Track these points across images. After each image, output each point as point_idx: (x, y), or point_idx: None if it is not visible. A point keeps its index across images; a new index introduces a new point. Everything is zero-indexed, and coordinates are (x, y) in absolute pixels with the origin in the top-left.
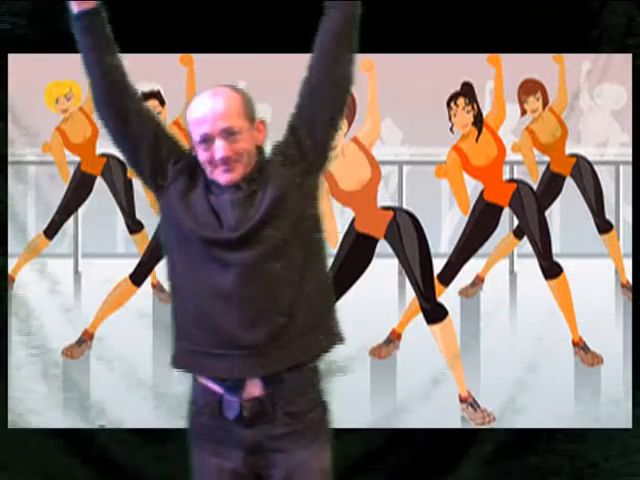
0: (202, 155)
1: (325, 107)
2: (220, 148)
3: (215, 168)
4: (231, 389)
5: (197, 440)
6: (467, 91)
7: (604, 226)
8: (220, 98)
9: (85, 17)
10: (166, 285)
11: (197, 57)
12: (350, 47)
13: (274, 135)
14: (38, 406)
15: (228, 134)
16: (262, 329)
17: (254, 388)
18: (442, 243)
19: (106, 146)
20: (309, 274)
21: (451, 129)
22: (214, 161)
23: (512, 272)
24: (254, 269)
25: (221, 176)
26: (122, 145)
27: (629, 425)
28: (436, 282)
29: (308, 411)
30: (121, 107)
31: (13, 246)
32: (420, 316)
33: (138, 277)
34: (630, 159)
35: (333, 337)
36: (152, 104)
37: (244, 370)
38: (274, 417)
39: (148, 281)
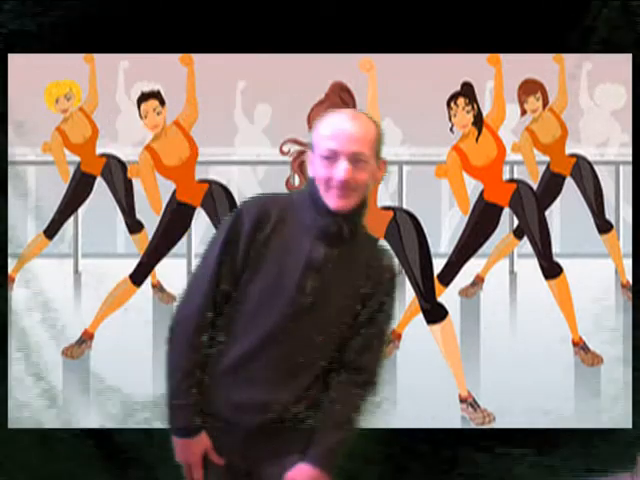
0: (320, 171)
1: None
2: (344, 170)
3: (329, 189)
4: None
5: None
6: (467, 91)
7: (604, 226)
8: (359, 122)
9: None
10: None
11: (197, 57)
12: None
13: (275, 135)
14: (38, 406)
15: (356, 159)
16: None
17: None
18: (442, 243)
19: (106, 146)
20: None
21: (451, 129)
22: (331, 181)
23: (512, 272)
24: None
25: (334, 200)
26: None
27: (629, 425)
28: (436, 282)
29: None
30: None
31: (13, 246)
32: (420, 316)
33: (138, 277)
34: (630, 159)
35: None
36: (152, 104)
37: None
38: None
39: (148, 281)
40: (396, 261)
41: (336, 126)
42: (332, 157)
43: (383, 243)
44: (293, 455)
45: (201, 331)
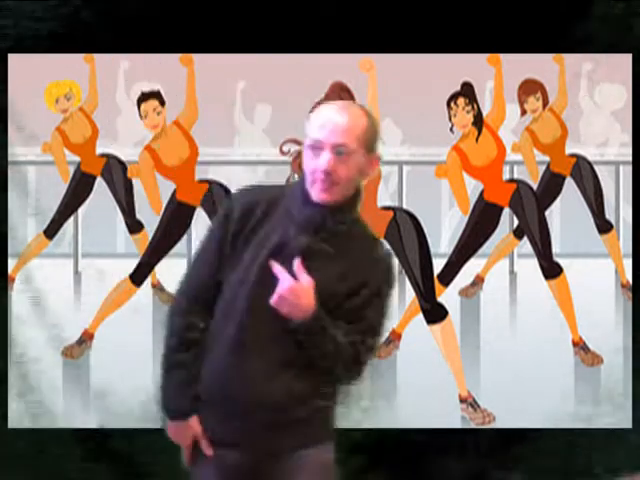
0: (307, 161)
1: None
2: (325, 160)
3: (314, 182)
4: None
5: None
6: (467, 91)
7: (604, 226)
8: (348, 113)
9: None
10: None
11: (197, 57)
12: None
13: (275, 135)
14: (38, 406)
15: (339, 151)
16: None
17: None
18: (442, 243)
19: (106, 146)
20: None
21: (451, 129)
22: (316, 172)
23: (512, 272)
24: None
25: (317, 192)
26: None
27: (629, 425)
28: (436, 282)
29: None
30: None
31: (13, 246)
32: (420, 316)
33: (138, 277)
34: (630, 159)
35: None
36: (152, 104)
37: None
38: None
39: (148, 281)
40: (395, 261)
41: (323, 117)
42: (317, 147)
43: (382, 242)
44: (298, 450)
45: (194, 316)
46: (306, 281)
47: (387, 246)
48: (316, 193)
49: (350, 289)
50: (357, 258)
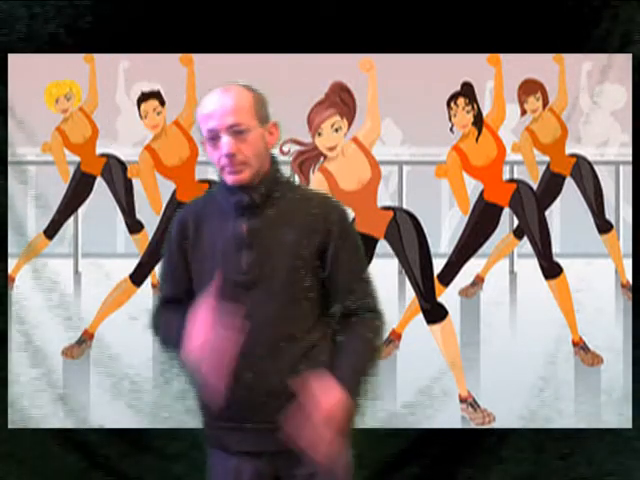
0: (211, 155)
1: None
2: (226, 144)
3: (223, 168)
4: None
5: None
6: (467, 91)
7: (604, 226)
8: (230, 94)
9: None
10: None
11: (197, 57)
12: None
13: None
14: (38, 406)
15: (235, 131)
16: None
17: None
18: (442, 243)
19: (106, 146)
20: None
21: (451, 129)
22: (221, 159)
23: (512, 272)
24: None
25: (230, 177)
26: None
27: (629, 425)
28: (436, 282)
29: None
30: None
31: (13, 246)
32: (420, 316)
33: (138, 277)
34: (630, 159)
35: None
36: (152, 104)
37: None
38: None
39: (148, 281)
40: (340, 203)
41: (208, 105)
42: (214, 137)
43: (327, 195)
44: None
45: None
46: (327, 398)
47: (328, 194)
48: (229, 178)
49: (315, 247)
50: (308, 219)
